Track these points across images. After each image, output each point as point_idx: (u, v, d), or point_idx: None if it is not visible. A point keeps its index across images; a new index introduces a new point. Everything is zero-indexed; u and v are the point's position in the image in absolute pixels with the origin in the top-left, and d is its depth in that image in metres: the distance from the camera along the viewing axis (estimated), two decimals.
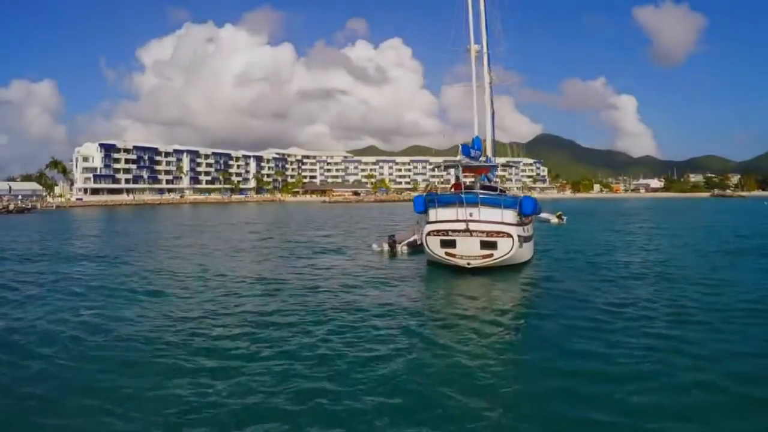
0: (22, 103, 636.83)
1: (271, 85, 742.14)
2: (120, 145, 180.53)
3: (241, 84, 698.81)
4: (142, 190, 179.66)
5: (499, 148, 37.19)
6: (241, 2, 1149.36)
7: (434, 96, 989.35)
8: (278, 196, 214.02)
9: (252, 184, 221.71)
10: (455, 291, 19.29)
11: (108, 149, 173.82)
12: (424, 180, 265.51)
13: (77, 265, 26.84)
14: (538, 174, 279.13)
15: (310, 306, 16.45)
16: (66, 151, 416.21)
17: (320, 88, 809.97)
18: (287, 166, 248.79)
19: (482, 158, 30.84)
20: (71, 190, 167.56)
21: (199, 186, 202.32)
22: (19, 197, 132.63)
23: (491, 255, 22.30)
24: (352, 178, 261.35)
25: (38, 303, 17.54)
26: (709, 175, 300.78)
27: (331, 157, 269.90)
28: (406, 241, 32.36)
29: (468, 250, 22.40)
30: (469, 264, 22.24)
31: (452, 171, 32.23)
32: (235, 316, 15.45)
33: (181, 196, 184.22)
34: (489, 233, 22.35)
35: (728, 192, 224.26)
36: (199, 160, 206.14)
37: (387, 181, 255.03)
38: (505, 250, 22.32)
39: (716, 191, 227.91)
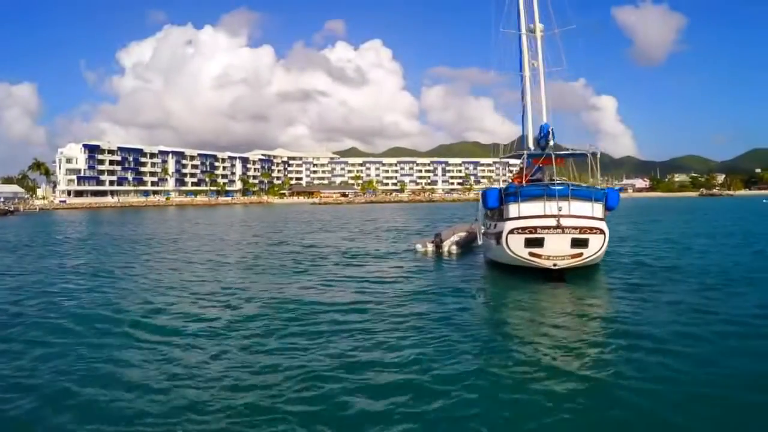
0: (1, 105, 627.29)
1: (250, 87, 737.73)
2: (104, 146, 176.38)
3: (220, 86, 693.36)
4: (127, 192, 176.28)
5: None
6: (218, 4, 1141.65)
7: (414, 97, 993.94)
8: (265, 197, 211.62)
9: (238, 185, 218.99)
10: (541, 305, 16.44)
11: (92, 150, 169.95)
12: (411, 181, 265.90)
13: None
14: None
15: (369, 325, 13.74)
16: (46, 153, 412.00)
17: (300, 89, 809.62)
18: (273, 167, 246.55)
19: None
20: (54, 192, 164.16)
21: (184, 188, 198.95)
22: (2, 199, 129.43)
23: (581, 254, 20.06)
24: (338, 180, 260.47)
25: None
26: (694, 174, 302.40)
27: (317, 158, 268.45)
28: (453, 239, 29.88)
29: (557, 250, 19.96)
30: (555, 265, 19.85)
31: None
32: (290, 335, 12.97)
33: (167, 198, 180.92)
34: (582, 229, 20.00)
35: (716, 191, 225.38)
36: (184, 162, 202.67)
37: (374, 182, 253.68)
38: (596, 247, 20.23)
39: (704, 191, 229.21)
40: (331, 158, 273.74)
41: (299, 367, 10.56)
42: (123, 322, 14.28)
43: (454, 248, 28.89)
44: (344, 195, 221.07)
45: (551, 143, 23.17)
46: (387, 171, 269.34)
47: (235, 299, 17.36)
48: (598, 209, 20.94)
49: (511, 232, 20.42)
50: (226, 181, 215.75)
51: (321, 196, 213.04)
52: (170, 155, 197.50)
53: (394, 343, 12.16)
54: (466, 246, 29.55)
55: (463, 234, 31.12)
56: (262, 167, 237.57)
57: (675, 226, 50.69)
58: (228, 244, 38.90)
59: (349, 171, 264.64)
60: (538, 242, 20.01)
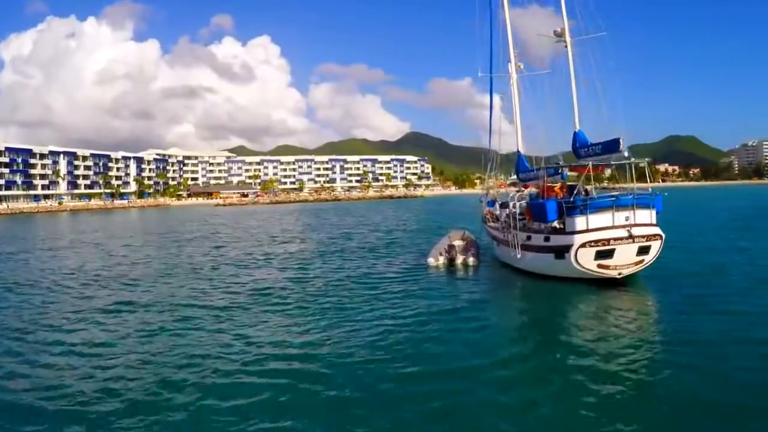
0: None
1: (135, 83, 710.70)
2: None
3: (104, 81, 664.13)
4: (16, 197, 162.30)
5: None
6: None
7: (302, 95, 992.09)
8: (162, 199, 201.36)
9: (133, 187, 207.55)
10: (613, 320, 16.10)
11: None
12: (309, 179, 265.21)
13: None
14: (423, 172, 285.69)
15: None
16: None
17: (185, 85, 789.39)
18: (168, 167, 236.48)
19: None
20: None
21: (77, 191, 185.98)
22: None
23: (642, 261, 20.78)
24: (235, 179, 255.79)
25: None
26: None
27: (213, 157, 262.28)
28: (464, 250, 27.83)
29: (624, 259, 20.41)
30: (620, 274, 20.39)
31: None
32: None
33: (60, 203, 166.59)
34: (648, 237, 20.65)
35: (607, 184, 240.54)
36: (77, 163, 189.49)
37: (273, 181, 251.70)
38: (655, 252, 20.96)
39: (597, 184, 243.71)
40: (228, 157, 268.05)
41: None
42: None
43: (471, 260, 26.89)
44: (244, 195, 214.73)
45: (625, 153, 22.42)
46: (285, 170, 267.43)
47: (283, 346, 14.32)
48: (654, 215, 21.58)
49: (583, 245, 20.33)
50: (120, 182, 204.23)
51: (221, 197, 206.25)
52: (61, 156, 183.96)
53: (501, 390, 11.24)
54: (477, 256, 27.84)
55: (461, 243, 29.59)
56: (157, 167, 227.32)
57: None
58: (200, 268, 29.73)
59: (246, 170, 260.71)
60: (609, 254, 20.32)
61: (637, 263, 20.69)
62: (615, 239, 20.21)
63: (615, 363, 12.30)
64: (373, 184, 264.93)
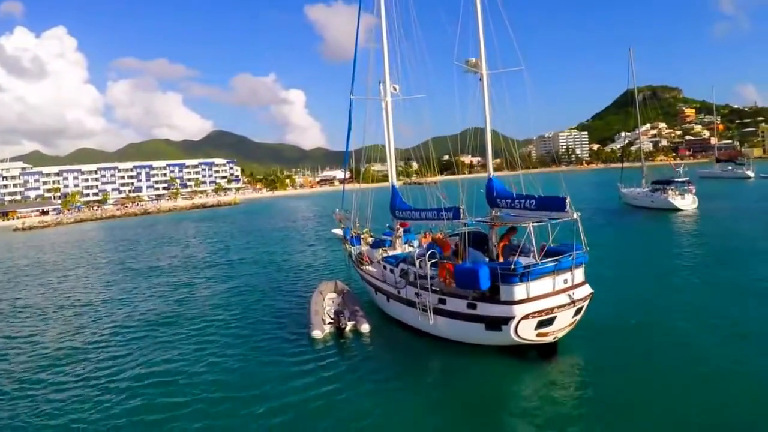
0: None
1: None
2: None
3: None
4: None
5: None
6: None
7: (100, 92, 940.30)
8: None
9: None
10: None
11: None
12: (113, 189, 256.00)
13: None
14: (232, 174, 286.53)
15: None
16: None
17: None
18: None
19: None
20: None
21: None
22: None
23: (575, 321, 19.82)
24: (33, 194, 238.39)
25: None
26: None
27: (7, 169, 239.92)
28: (352, 312, 24.08)
29: (563, 323, 19.13)
30: (555, 338, 19.24)
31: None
32: None
33: None
34: (585, 298, 19.71)
35: (416, 179, 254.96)
36: None
37: (74, 194, 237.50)
38: (584, 310, 19.97)
39: (407, 180, 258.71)
40: (23, 169, 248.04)
41: None
42: None
43: (365, 327, 22.68)
44: (45, 213, 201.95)
45: (575, 215, 19.51)
46: (87, 180, 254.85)
47: None
48: (583, 271, 20.33)
49: (525, 317, 18.29)
50: None
51: (18, 217, 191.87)
52: None
53: None
54: (367, 318, 23.62)
55: (338, 299, 26.63)
56: None
57: None
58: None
59: (45, 182, 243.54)
60: (550, 321, 18.74)
61: (571, 324, 19.69)
62: (558, 307, 18.70)
63: None
64: (182, 190, 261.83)
